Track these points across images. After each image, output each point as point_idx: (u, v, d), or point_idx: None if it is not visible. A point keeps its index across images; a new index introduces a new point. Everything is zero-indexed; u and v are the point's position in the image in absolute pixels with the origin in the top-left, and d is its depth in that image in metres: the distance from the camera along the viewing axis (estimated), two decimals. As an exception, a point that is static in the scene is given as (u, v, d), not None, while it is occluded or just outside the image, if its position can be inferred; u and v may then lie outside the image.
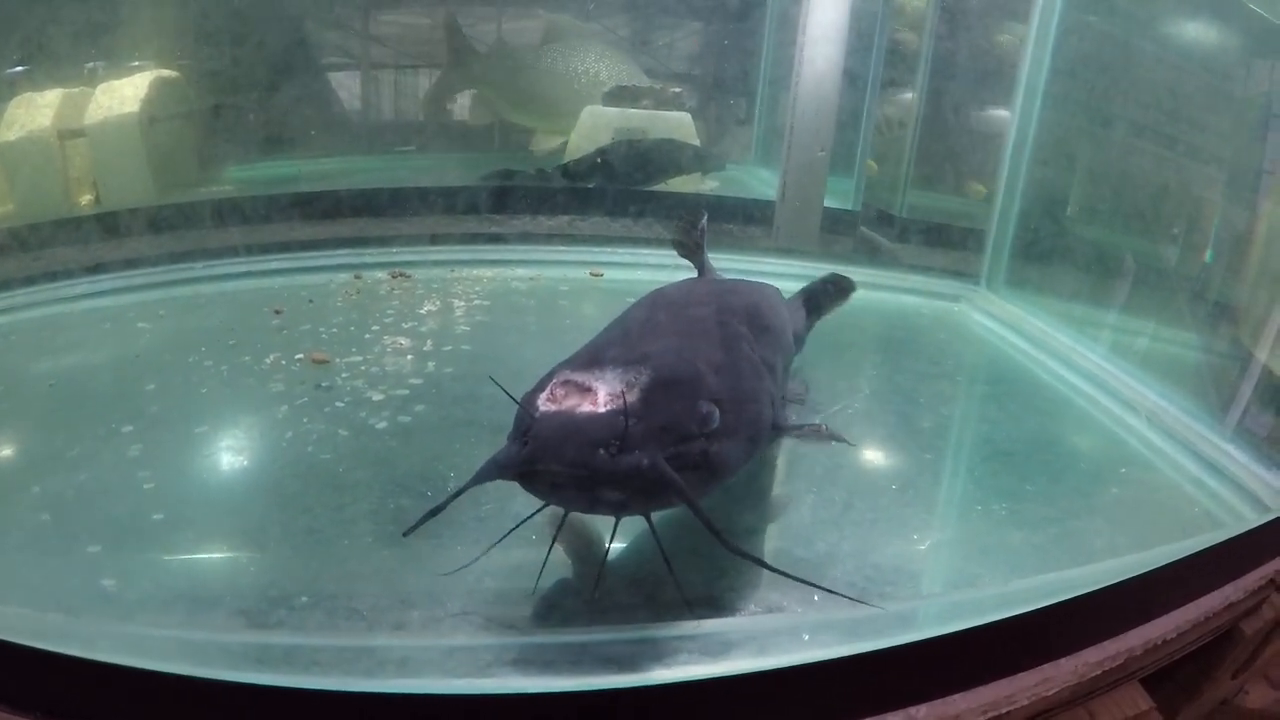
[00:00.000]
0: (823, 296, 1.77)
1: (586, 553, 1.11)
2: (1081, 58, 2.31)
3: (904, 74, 3.18)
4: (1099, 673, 1.08)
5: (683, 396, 0.94)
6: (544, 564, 1.01)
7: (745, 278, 1.68)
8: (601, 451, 0.86)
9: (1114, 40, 2.32)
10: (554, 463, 0.86)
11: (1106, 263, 2.24)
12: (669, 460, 0.89)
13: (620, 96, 3.50)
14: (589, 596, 1.02)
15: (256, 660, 0.90)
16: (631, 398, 0.90)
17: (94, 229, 2.53)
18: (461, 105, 4.00)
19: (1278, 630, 1.37)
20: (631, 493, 0.88)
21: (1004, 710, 0.99)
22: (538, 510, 0.97)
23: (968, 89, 3.04)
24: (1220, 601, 1.24)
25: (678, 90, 3.55)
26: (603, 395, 0.91)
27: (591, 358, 0.99)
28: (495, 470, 0.91)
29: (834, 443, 1.20)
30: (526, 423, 0.91)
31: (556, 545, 1.03)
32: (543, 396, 0.92)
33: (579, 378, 0.93)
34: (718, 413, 0.96)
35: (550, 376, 0.96)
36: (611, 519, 0.95)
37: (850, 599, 0.96)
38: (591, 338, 1.15)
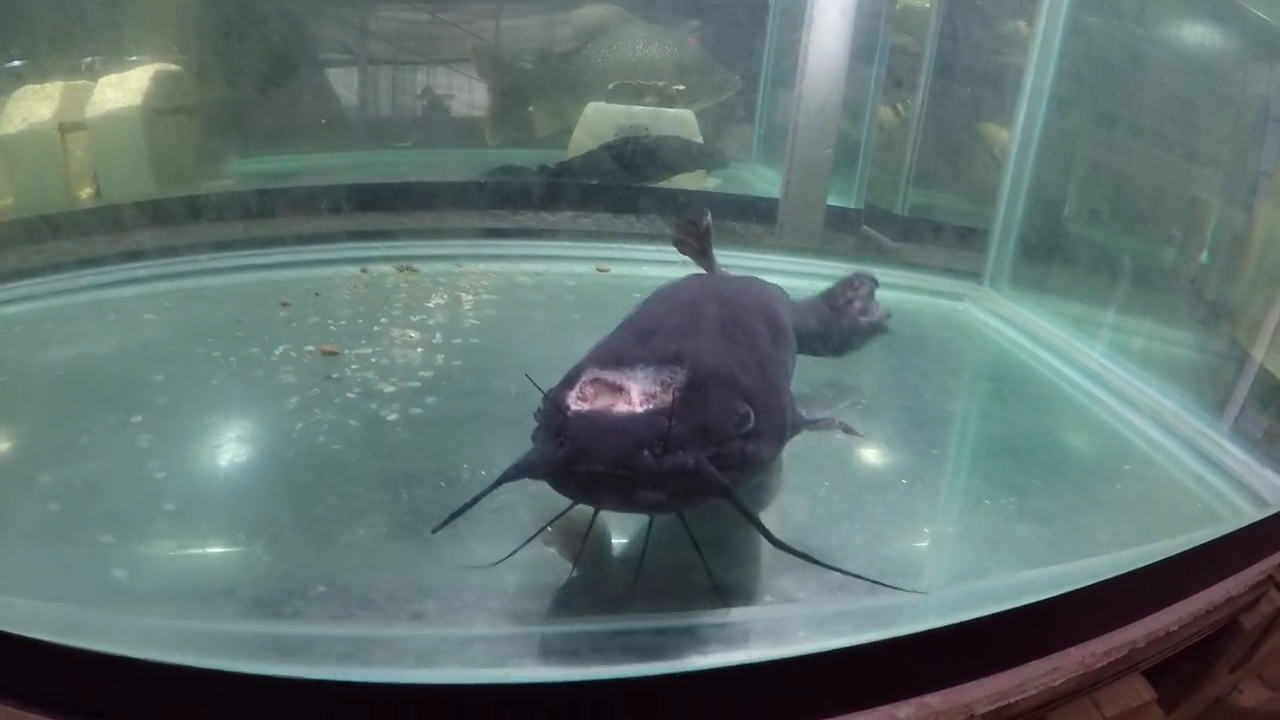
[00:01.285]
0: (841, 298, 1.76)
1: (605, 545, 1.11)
2: (1086, 60, 2.32)
3: (908, 73, 3.19)
4: (1104, 663, 1.09)
5: (722, 397, 0.93)
6: (576, 559, 1.02)
7: (752, 275, 1.68)
8: (645, 452, 0.84)
9: (1117, 43, 2.34)
10: (597, 464, 0.84)
11: (1107, 262, 2.25)
12: (710, 460, 0.88)
13: (623, 93, 3.50)
14: (629, 584, 1.02)
15: (274, 651, 0.90)
16: (670, 398, 0.89)
17: (95, 222, 2.52)
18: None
19: (1275, 625, 1.38)
20: (671, 493, 0.87)
21: (1014, 699, 1.00)
22: (568, 509, 0.96)
23: (970, 88, 3.05)
24: (1221, 595, 1.25)
25: (682, 87, 3.55)
26: (637, 395, 0.89)
27: (618, 355, 0.96)
28: (530, 471, 0.89)
29: (846, 434, 1.21)
30: (559, 422, 0.89)
31: (571, 534, 1.04)
32: (573, 395, 0.91)
33: (610, 376, 0.91)
34: (753, 414, 0.95)
35: (578, 374, 0.94)
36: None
37: (906, 590, 0.96)
38: (603, 333, 1.14)
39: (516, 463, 0.90)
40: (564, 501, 0.94)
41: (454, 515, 0.94)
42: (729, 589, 1.03)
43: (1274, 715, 1.53)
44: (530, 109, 3.81)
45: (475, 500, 0.93)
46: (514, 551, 0.99)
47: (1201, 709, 1.43)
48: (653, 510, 0.91)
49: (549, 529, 1.03)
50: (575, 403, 0.89)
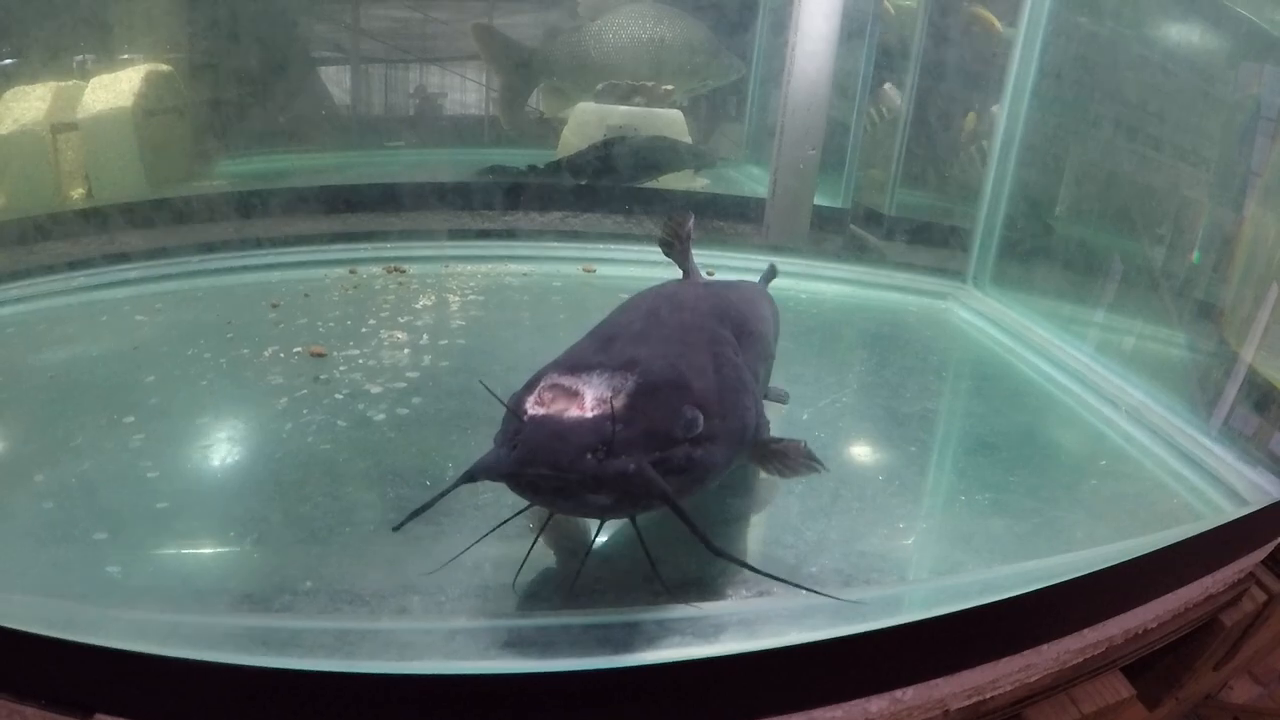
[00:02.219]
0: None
1: (577, 543, 1.13)
2: (1070, 59, 2.33)
3: (893, 75, 3.21)
4: (1081, 660, 1.11)
5: (668, 402, 0.96)
6: (525, 559, 1.04)
7: (736, 279, 1.69)
8: (589, 456, 0.87)
9: (1102, 41, 2.35)
10: (541, 467, 0.87)
11: (1092, 262, 2.26)
12: (654, 465, 0.90)
13: (612, 93, 3.51)
14: (567, 590, 1.04)
15: (262, 643, 0.92)
16: (618, 403, 0.92)
17: (86, 223, 2.53)
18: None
19: (1258, 623, 1.40)
20: (617, 496, 0.90)
21: (988, 695, 1.02)
22: (526, 507, 0.99)
23: (957, 89, 3.06)
24: (1200, 592, 1.27)
25: (670, 87, 3.56)
26: (589, 400, 0.92)
27: (578, 362, 1.00)
28: (483, 473, 0.93)
29: (806, 468, 1.16)
30: (515, 426, 0.92)
31: (550, 532, 1.05)
32: (530, 400, 0.94)
33: (566, 382, 0.95)
34: (702, 418, 0.97)
35: (537, 380, 0.97)
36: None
37: (826, 595, 0.97)
38: (582, 336, 1.17)
39: (473, 465, 0.94)
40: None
41: (414, 514, 0.97)
42: (706, 582, 1.05)
43: (1266, 711, 1.56)
44: (538, 90, 3.78)
45: (436, 499, 0.96)
46: (469, 546, 1.02)
47: (1190, 706, 1.44)
48: (601, 514, 0.95)
49: (521, 524, 1.05)
50: (532, 408, 0.93)
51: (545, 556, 1.10)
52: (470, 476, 0.94)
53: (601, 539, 1.09)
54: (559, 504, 0.93)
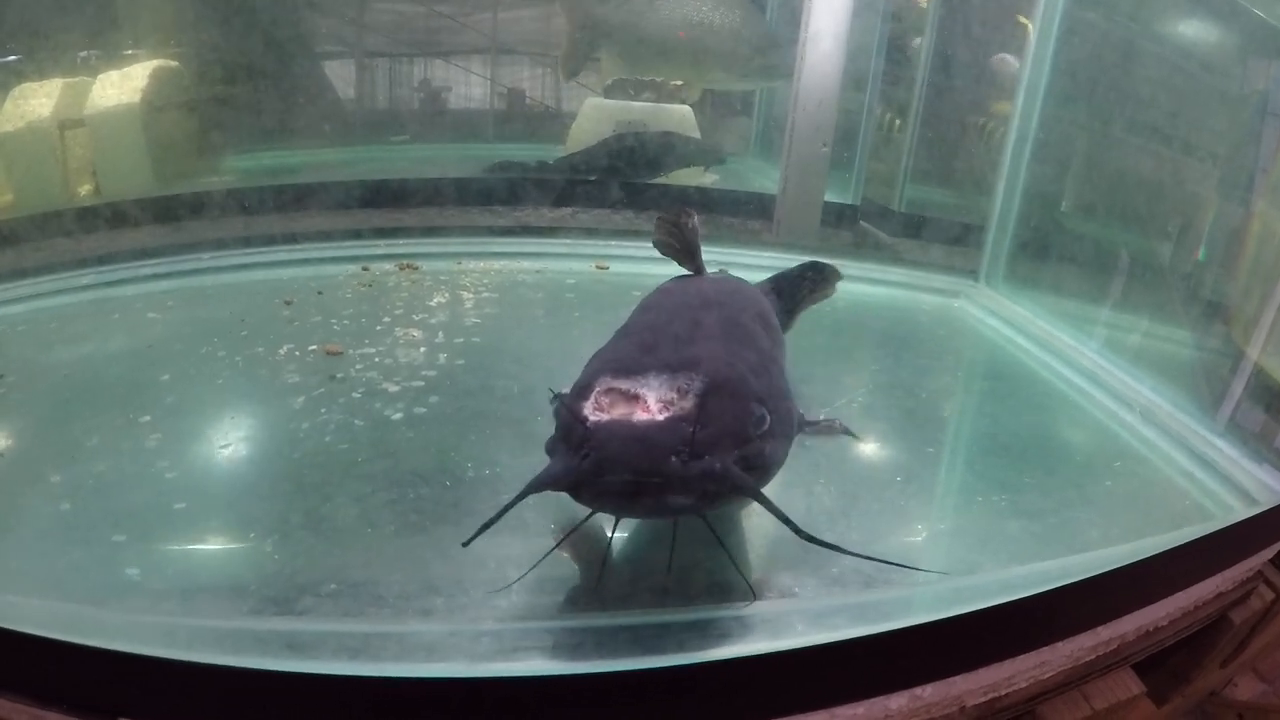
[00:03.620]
0: (799, 287, 1.69)
1: (598, 546, 1.13)
2: (1082, 56, 2.32)
3: (905, 70, 3.21)
4: (1093, 657, 1.12)
5: (738, 400, 0.95)
6: (603, 563, 1.05)
7: (727, 274, 1.68)
8: (673, 458, 0.85)
9: (1114, 39, 2.34)
10: (626, 472, 0.85)
11: (1103, 259, 2.26)
12: (734, 462, 0.89)
13: (621, 88, 3.51)
14: (591, 591, 1.02)
15: (288, 647, 0.92)
16: (690, 404, 0.90)
17: (95, 219, 2.53)
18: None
19: (1265, 620, 1.41)
20: (699, 497, 0.88)
21: (1004, 691, 1.03)
22: (585, 519, 0.96)
23: (967, 85, 3.06)
24: (1210, 591, 1.28)
25: (680, 83, 3.55)
26: (654, 402, 0.90)
27: (629, 364, 0.97)
28: (555, 483, 0.89)
29: (844, 435, 1.26)
30: (579, 433, 0.89)
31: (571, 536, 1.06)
32: (589, 406, 0.91)
33: (624, 385, 0.92)
34: (768, 414, 0.97)
35: (591, 384, 0.94)
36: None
37: (926, 570, 1.00)
38: (603, 330, 1.16)
39: (540, 475, 0.90)
40: (576, 508, 0.94)
41: (483, 528, 0.93)
42: (728, 585, 1.05)
43: (1270, 708, 1.57)
44: (600, 51, 3.69)
45: (502, 513, 0.92)
46: (531, 569, 1.00)
47: (1195, 702, 1.45)
48: (679, 514, 0.92)
49: (565, 540, 1.04)
50: (593, 414, 0.90)
51: (566, 559, 1.10)
52: (538, 486, 0.90)
53: (621, 538, 1.09)
54: (635, 509, 0.91)
